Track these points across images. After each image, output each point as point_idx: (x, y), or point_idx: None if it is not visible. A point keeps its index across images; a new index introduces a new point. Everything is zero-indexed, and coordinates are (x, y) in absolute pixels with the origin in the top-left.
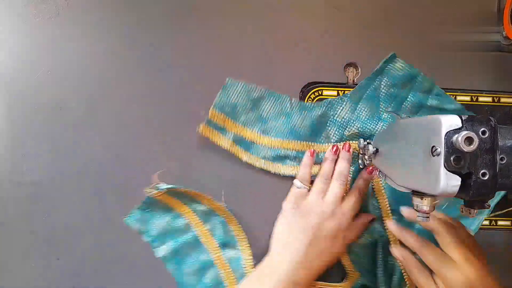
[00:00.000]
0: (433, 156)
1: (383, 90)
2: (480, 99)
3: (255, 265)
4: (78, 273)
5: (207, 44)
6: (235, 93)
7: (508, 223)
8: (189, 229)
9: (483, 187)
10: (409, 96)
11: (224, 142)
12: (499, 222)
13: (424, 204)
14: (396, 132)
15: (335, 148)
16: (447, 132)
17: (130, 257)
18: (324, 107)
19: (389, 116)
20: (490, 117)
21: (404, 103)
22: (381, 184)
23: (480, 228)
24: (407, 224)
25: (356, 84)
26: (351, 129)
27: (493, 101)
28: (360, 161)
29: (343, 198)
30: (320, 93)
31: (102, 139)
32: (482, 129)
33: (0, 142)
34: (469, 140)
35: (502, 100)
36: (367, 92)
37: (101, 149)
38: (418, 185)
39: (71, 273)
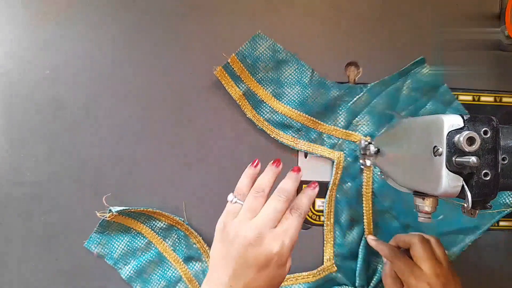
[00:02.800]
0: (435, 156)
1: (404, 92)
2: (482, 98)
3: None
4: (77, 273)
5: (206, 44)
6: (262, 47)
7: (509, 223)
8: (151, 247)
9: (485, 187)
10: (428, 104)
11: (235, 91)
12: (501, 223)
13: (426, 204)
14: (398, 132)
15: (276, 163)
16: (449, 132)
17: None
18: (342, 91)
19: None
20: (492, 117)
21: (422, 110)
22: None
23: None
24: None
25: (358, 84)
26: (360, 121)
27: (495, 100)
28: (361, 161)
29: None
30: None
31: (101, 139)
32: (484, 129)
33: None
34: (470, 140)
35: (504, 99)
36: (388, 89)
37: (100, 149)
38: (420, 186)
39: (71, 273)
